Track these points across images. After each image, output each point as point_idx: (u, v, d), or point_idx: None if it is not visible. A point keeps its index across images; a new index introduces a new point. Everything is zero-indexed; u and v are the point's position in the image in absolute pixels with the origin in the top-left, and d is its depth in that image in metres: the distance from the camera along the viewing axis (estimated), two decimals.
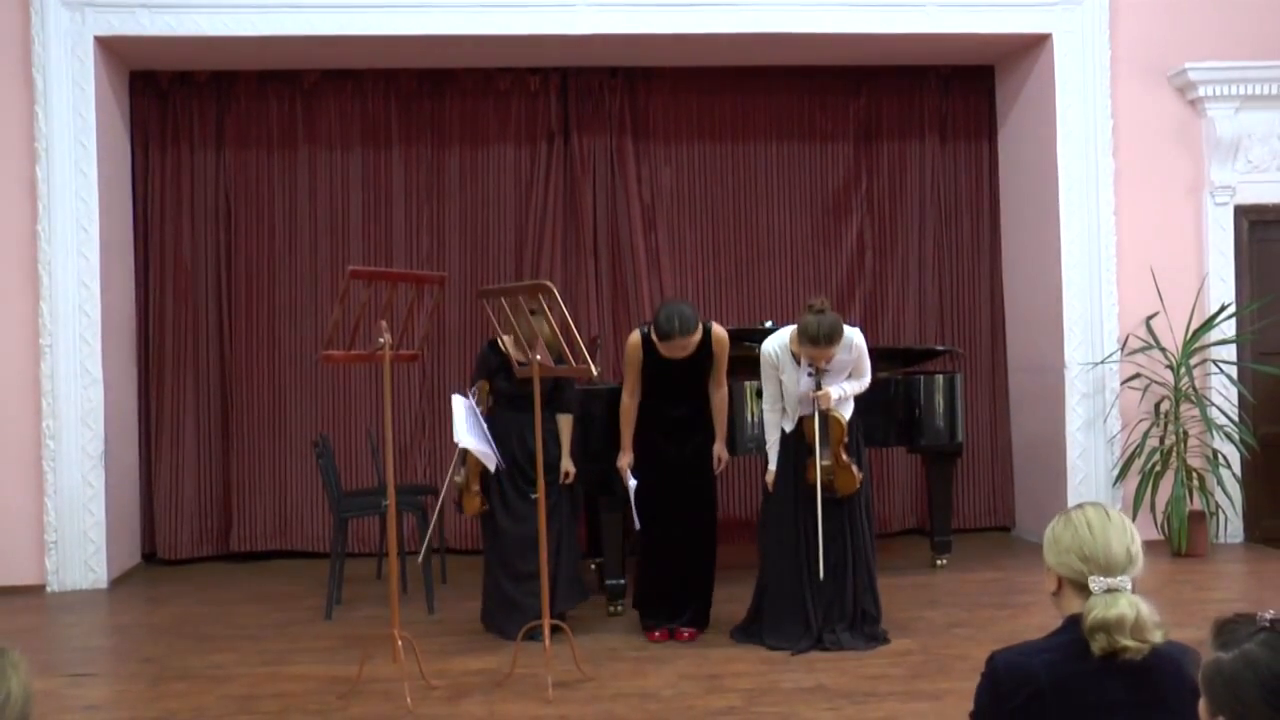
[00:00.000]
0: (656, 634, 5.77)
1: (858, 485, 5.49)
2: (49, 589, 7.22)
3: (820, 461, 5.45)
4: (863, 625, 5.57)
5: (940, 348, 7.77)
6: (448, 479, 5.85)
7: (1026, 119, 8.11)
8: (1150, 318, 7.63)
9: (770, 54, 7.98)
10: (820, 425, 5.45)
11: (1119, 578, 2.33)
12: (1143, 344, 7.60)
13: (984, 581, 6.91)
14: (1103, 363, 7.64)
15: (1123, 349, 7.65)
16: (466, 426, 5.49)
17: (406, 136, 8.27)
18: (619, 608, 6.23)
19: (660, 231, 8.31)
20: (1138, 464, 7.50)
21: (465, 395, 5.63)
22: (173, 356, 8.10)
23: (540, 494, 5.16)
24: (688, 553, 5.79)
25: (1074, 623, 2.34)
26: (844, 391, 5.55)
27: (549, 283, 5.12)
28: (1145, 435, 7.52)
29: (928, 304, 8.53)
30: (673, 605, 5.81)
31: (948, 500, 7.34)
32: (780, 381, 5.56)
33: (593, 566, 6.92)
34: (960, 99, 8.56)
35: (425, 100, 8.28)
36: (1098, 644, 2.27)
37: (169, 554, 8.04)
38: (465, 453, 5.66)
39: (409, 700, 4.77)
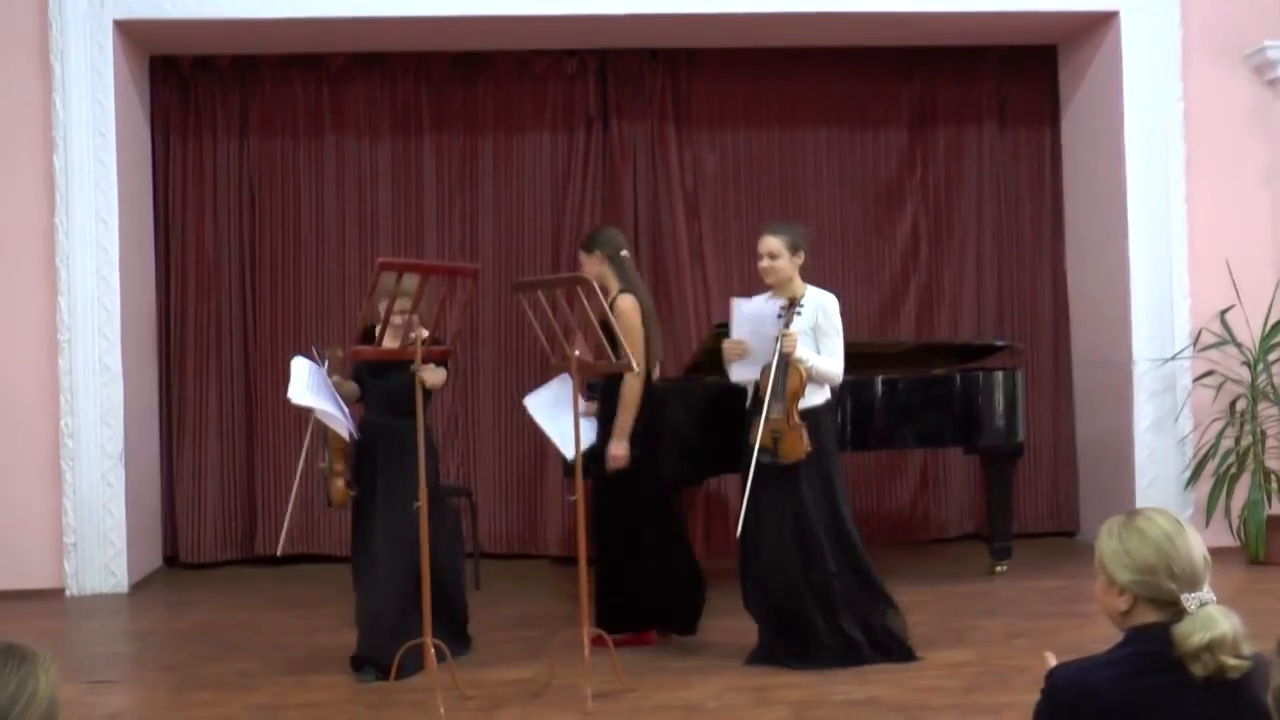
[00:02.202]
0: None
1: (802, 454, 5.07)
2: (68, 593, 7.16)
3: (770, 414, 5.07)
4: (805, 643, 5.18)
5: (1000, 342, 7.58)
6: (301, 465, 5.22)
7: (1091, 102, 7.86)
8: (1225, 311, 7.37)
9: (818, 34, 7.77)
10: (779, 373, 5.09)
11: (1205, 589, 2.24)
12: (1217, 339, 7.36)
13: (1046, 589, 6.73)
14: (1173, 358, 7.39)
15: (1195, 344, 7.42)
16: (307, 384, 5.09)
17: (438, 123, 8.11)
18: None
19: (704, 221, 8.11)
20: (1211, 466, 7.28)
21: (313, 359, 5.24)
22: (195, 352, 7.99)
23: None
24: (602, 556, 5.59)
25: (1139, 634, 2.26)
26: (811, 358, 5.14)
27: (587, 275, 5.02)
28: (1219, 435, 7.29)
29: (986, 296, 8.32)
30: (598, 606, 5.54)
31: (1007, 503, 7.19)
32: None
33: None
34: (1020, 81, 8.33)
35: (457, 85, 8.11)
36: (1203, 667, 2.18)
37: (191, 557, 7.95)
38: (325, 433, 5.25)
39: (442, 711, 4.70)
